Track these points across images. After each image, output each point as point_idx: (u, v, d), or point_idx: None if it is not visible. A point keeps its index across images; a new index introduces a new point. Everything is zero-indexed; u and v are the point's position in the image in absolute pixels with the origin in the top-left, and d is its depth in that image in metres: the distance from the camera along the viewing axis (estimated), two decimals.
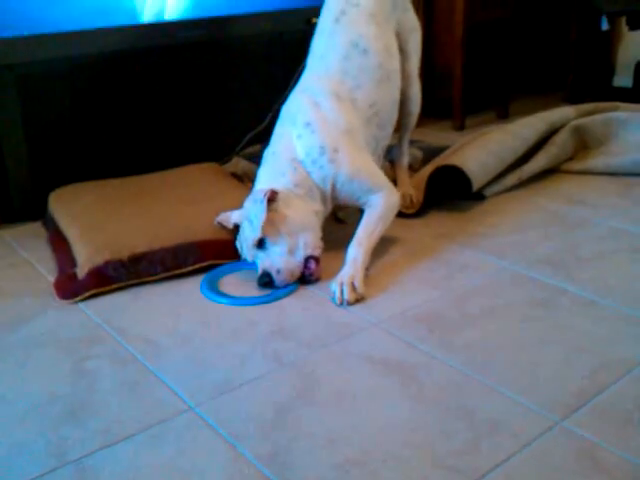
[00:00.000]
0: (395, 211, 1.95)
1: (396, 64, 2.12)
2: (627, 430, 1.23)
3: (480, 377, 1.40)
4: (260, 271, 1.78)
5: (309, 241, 1.80)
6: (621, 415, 1.27)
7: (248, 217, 1.81)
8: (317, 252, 1.82)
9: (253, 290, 1.79)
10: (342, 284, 1.72)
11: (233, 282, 1.85)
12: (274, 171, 1.90)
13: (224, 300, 1.74)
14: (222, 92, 2.70)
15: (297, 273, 1.79)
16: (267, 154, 1.96)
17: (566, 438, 1.22)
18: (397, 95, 2.14)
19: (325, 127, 1.91)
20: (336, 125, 1.93)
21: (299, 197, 1.86)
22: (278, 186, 1.85)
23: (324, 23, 2.07)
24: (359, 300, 1.71)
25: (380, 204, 1.92)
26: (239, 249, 1.88)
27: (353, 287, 1.72)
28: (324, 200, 1.92)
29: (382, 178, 1.97)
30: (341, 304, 1.69)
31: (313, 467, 1.17)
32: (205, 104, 2.67)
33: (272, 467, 1.17)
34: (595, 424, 1.25)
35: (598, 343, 1.51)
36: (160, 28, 2.49)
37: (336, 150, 1.89)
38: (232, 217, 1.95)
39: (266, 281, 1.76)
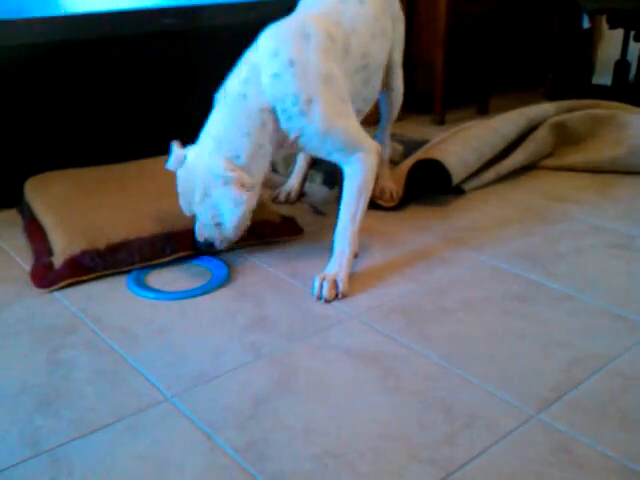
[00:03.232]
0: (375, 170, 1.80)
1: (389, 24, 2.01)
2: (602, 423, 1.24)
3: (457, 370, 1.41)
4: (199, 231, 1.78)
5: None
6: (596, 408, 1.28)
7: (211, 198, 1.69)
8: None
9: (182, 284, 1.77)
10: (324, 280, 1.70)
11: (161, 277, 1.82)
12: (237, 125, 1.68)
13: (151, 295, 1.71)
14: (201, 81, 2.68)
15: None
16: (232, 92, 1.71)
17: (542, 431, 1.23)
18: (386, 57, 2.03)
19: (305, 70, 1.69)
20: (317, 69, 1.71)
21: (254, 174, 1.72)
22: (240, 151, 1.68)
23: None
24: (339, 298, 1.69)
25: (358, 171, 1.76)
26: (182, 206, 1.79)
27: (335, 285, 1.70)
28: (279, 145, 1.77)
29: (360, 136, 1.77)
30: (318, 300, 1.68)
31: (290, 458, 1.16)
32: (183, 93, 2.64)
33: (249, 458, 1.16)
34: (571, 417, 1.26)
35: (575, 337, 1.52)
36: (137, 15, 2.46)
37: (310, 100, 1.69)
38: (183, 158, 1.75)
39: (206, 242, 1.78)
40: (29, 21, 2.21)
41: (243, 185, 1.68)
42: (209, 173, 1.68)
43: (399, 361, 1.44)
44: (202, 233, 1.78)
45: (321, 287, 1.69)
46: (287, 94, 1.68)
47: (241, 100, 1.69)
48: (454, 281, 1.78)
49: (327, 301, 1.68)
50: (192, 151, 1.73)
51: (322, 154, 1.80)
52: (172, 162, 1.75)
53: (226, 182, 1.67)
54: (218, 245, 1.80)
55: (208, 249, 1.79)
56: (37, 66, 2.28)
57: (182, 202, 1.76)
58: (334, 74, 1.75)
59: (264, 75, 1.69)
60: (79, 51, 2.36)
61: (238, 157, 1.70)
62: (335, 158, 1.79)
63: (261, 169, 1.74)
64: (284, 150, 1.82)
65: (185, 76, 2.63)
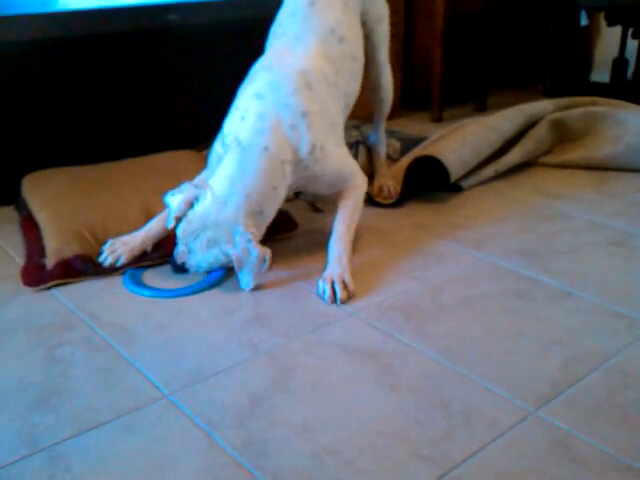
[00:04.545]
0: (364, 195, 1.91)
1: (363, 59, 2.04)
2: (600, 420, 1.24)
3: (456, 367, 1.40)
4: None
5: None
6: (594, 405, 1.28)
7: (219, 248, 1.69)
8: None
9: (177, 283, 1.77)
10: (333, 282, 1.68)
11: (158, 274, 1.82)
12: (266, 180, 1.70)
13: (147, 293, 1.71)
14: (200, 78, 2.67)
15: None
16: (250, 143, 1.71)
17: (540, 428, 1.23)
18: (357, 94, 2.05)
19: (318, 119, 1.77)
20: (326, 117, 1.80)
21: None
22: (265, 206, 1.71)
23: (295, 4, 1.93)
24: (350, 297, 1.68)
25: (354, 195, 1.87)
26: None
27: (344, 285, 1.69)
28: (290, 190, 1.82)
29: (355, 169, 1.90)
30: (333, 303, 1.66)
31: (288, 455, 1.16)
32: (181, 90, 2.64)
33: (247, 455, 1.16)
34: (569, 414, 1.26)
35: (573, 334, 1.52)
36: (134, 11, 2.46)
37: (322, 148, 1.77)
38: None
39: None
40: (17, 18, 2.21)
41: (256, 240, 1.68)
42: (228, 227, 1.67)
43: (397, 358, 1.44)
44: (182, 259, 1.75)
45: (332, 289, 1.67)
46: (303, 144, 1.74)
47: (264, 153, 1.70)
48: (452, 278, 1.78)
49: (342, 302, 1.66)
50: (209, 197, 1.69)
51: (322, 191, 1.89)
52: (181, 204, 1.70)
53: (248, 240, 1.66)
54: (192, 271, 1.76)
55: (182, 271, 1.77)
56: (33, 63, 2.28)
57: (181, 236, 1.72)
58: (338, 120, 1.87)
59: (282, 127, 1.72)
60: (73, 48, 2.35)
61: (262, 213, 1.72)
62: (331, 191, 1.87)
63: (272, 217, 1.77)
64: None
65: (178, 74, 2.63)
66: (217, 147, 1.85)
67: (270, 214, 1.75)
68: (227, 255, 1.69)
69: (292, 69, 1.79)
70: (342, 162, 1.86)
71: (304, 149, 1.74)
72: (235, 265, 1.67)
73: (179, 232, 1.72)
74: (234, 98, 1.85)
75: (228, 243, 1.68)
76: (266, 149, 1.70)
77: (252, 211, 1.69)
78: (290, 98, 1.74)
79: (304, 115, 1.74)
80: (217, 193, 1.69)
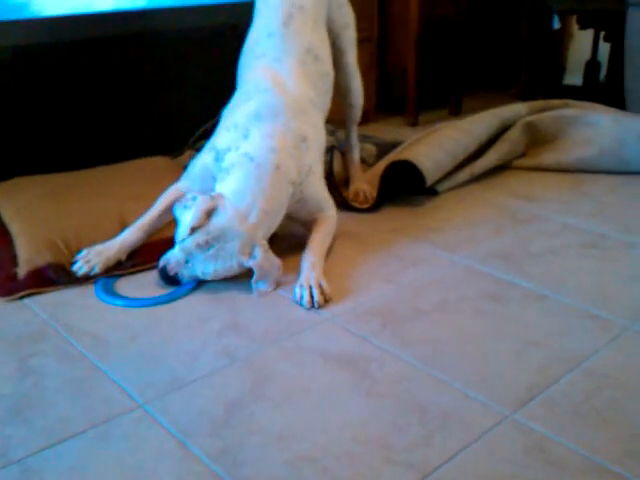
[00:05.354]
0: (335, 226, 1.96)
1: (333, 73, 2.09)
2: (577, 423, 1.25)
3: (432, 371, 1.40)
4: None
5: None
6: (571, 408, 1.29)
7: (232, 259, 1.70)
8: None
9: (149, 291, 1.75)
10: (310, 287, 1.68)
11: (131, 282, 1.80)
12: (280, 198, 1.76)
13: (120, 302, 1.68)
14: (172, 84, 2.66)
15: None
16: (264, 160, 1.74)
17: (517, 431, 1.23)
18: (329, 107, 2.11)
19: (313, 144, 1.87)
20: (319, 141, 1.92)
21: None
22: (275, 223, 1.78)
23: (270, 25, 1.97)
24: (327, 301, 1.68)
25: (328, 223, 1.92)
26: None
27: (321, 289, 1.68)
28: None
29: (330, 197, 1.97)
30: (311, 307, 1.65)
31: (264, 464, 1.15)
32: (155, 96, 2.62)
33: (223, 464, 1.15)
34: (545, 417, 1.26)
35: (549, 337, 1.52)
36: (108, 17, 2.44)
37: (314, 172, 1.87)
38: None
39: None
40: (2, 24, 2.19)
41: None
42: (250, 239, 1.69)
43: (374, 363, 1.43)
44: (176, 269, 1.72)
45: (310, 294, 1.67)
46: (303, 166, 1.82)
47: (277, 171, 1.75)
48: (428, 282, 1.78)
49: (320, 306, 1.65)
50: (230, 209, 1.69)
51: (302, 217, 1.92)
52: (201, 215, 1.67)
53: (267, 251, 1.71)
54: (184, 281, 1.74)
55: (172, 282, 1.74)
56: (5, 70, 2.25)
57: (193, 247, 1.68)
58: (323, 140, 1.96)
59: (288, 148, 1.79)
60: (43, 55, 2.32)
61: (270, 228, 1.76)
62: (308, 219, 1.91)
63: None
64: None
65: (151, 80, 2.61)
66: (206, 159, 1.87)
67: (273, 229, 1.79)
68: (242, 265, 1.70)
69: (287, 94, 1.87)
70: (323, 187, 1.94)
71: (303, 171, 1.82)
72: (258, 273, 1.69)
73: (190, 243, 1.68)
74: (221, 113, 1.90)
75: (245, 254, 1.69)
76: (278, 167, 1.75)
77: (266, 225, 1.73)
78: (291, 122, 1.82)
79: (304, 139, 1.83)
80: (239, 206, 1.69)
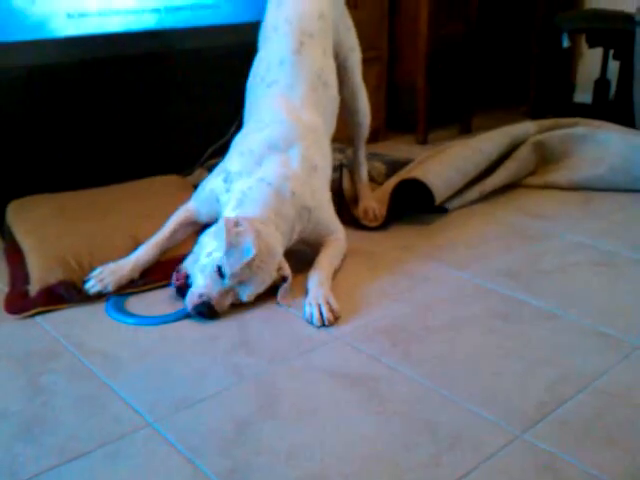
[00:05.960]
0: (345, 249, 1.99)
1: (338, 97, 2.14)
2: (587, 442, 1.24)
3: (442, 390, 1.40)
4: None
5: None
6: (581, 427, 1.28)
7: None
8: None
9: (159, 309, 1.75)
10: (319, 305, 1.68)
11: (142, 300, 1.80)
12: (294, 223, 1.83)
13: (130, 320, 1.69)
14: (184, 103, 2.67)
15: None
16: (281, 187, 1.81)
17: (527, 451, 1.22)
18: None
19: (322, 173, 1.94)
20: (327, 171, 1.99)
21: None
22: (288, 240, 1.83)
23: (281, 52, 2.00)
24: (336, 319, 1.68)
25: (338, 244, 1.95)
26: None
27: (329, 307, 1.68)
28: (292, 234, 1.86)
29: (338, 221, 2.01)
30: (322, 325, 1.65)
31: None
32: (167, 115, 2.64)
33: None
34: (555, 436, 1.25)
35: (559, 355, 1.52)
36: (122, 38, 2.46)
37: (322, 199, 1.93)
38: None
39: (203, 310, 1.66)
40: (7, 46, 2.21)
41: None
42: (275, 250, 1.74)
43: (383, 382, 1.43)
44: (221, 301, 1.67)
45: (319, 311, 1.67)
46: (314, 192, 1.88)
47: (293, 197, 1.82)
48: (438, 300, 1.77)
49: (330, 323, 1.65)
50: (262, 228, 1.72)
51: (313, 238, 1.93)
52: (253, 242, 1.67)
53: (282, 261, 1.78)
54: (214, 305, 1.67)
55: (209, 311, 1.66)
56: (17, 90, 2.27)
57: (239, 272, 1.66)
58: (330, 168, 2.05)
59: (302, 176, 1.86)
60: (56, 75, 2.34)
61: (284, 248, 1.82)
62: (319, 242, 1.94)
63: None
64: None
65: (162, 99, 2.63)
66: (217, 183, 1.89)
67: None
68: (273, 278, 1.75)
69: (300, 123, 1.93)
70: (332, 211, 1.99)
71: (315, 197, 1.88)
72: (288, 286, 1.76)
73: (238, 268, 1.65)
74: (231, 131, 1.92)
75: (279, 269, 1.76)
76: (293, 194, 1.82)
77: (284, 245, 1.81)
78: (305, 151, 1.89)
79: (315, 169, 1.90)
80: (262, 221, 1.75)
